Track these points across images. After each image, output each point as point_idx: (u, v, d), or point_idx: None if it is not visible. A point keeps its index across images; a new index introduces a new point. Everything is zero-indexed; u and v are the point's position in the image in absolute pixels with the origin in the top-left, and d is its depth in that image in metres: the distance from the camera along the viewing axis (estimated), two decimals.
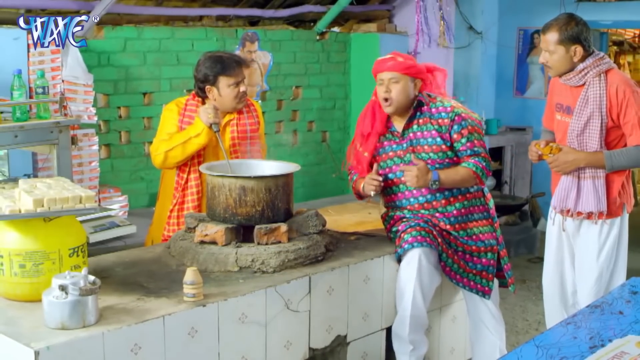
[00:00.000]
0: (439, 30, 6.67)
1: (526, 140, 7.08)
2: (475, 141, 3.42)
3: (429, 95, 3.48)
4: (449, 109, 3.42)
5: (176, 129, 3.67)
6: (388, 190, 3.54)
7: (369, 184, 3.44)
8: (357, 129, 3.59)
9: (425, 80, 3.46)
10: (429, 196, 3.43)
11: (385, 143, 3.52)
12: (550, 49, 3.55)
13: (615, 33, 10.45)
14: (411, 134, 3.45)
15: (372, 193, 3.45)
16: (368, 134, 3.50)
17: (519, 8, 7.24)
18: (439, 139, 3.40)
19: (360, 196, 3.64)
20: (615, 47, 11.15)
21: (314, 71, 6.56)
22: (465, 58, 6.94)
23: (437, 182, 3.34)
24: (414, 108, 3.44)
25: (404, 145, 3.46)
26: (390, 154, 3.50)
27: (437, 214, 3.43)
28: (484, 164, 3.42)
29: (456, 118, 3.39)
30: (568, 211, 3.68)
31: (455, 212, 3.44)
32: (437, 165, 3.39)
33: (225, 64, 3.61)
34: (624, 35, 11.13)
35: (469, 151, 3.41)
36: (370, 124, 3.49)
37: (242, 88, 3.66)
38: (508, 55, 7.42)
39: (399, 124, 3.49)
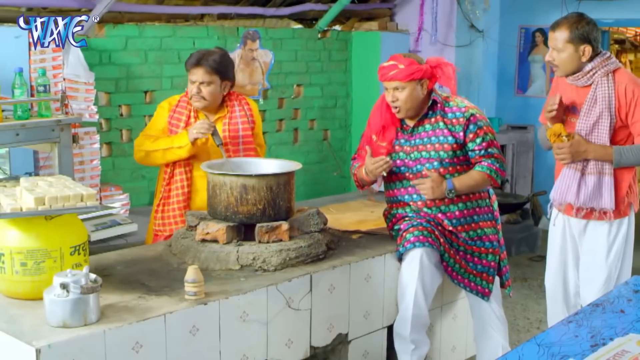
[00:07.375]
0: (431, 26, 6.64)
1: (527, 139, 7.07)
2: (490, 142, 3.39)
3: (443, 95, 3.44)
4: (463, 109, 3.38)
5: (164, 124, 3.70)
6: (390, 185, 3.50)
7: (376, 164, 3.34)
8: (370, 121, 3.51)
9: (433, 77, 3.38)
10: None
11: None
12: (559, 47, 3.48)
13: (617, 31, 10.46)
14: (422, 132, 3.41)
15: (384, 173, 3.39)
16: (385, 125, 3.44)
17: (521, 6, 7.23)
18: (450, 138, 3.36)
19: (362, 185, 3.56)
20: (616, 46, 11.16)
21: (315, 69, 6.55)
22: (467, 56, 6.93)
23: (453, 191, 3.33)
24: (428, 107, 3.40)
25: (412, 142, 3.42)
26: (397, 147, 3.45)
27: (440, 214, 3.40)
28: (498, 165, 3.39)
29: (472, 118, 3.36)
30: (570, 207, 3.65)
31: (457, 212, 3.41)
32: (444, 164, 3.35)
33: (190, 59, 3.65)
34: (625, 33, 11.14)
35: (483, 151, 3.37)
36: (389, 116, 3.42)
37: (194, 88, 3.60)
38: (509, 53, 7.41)
39: (410, 120, 3.45)
